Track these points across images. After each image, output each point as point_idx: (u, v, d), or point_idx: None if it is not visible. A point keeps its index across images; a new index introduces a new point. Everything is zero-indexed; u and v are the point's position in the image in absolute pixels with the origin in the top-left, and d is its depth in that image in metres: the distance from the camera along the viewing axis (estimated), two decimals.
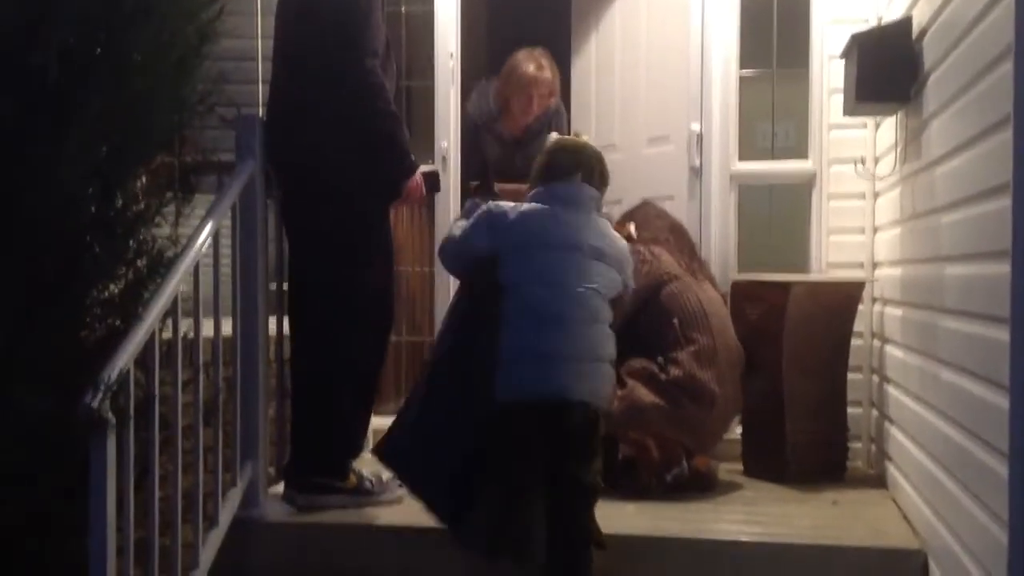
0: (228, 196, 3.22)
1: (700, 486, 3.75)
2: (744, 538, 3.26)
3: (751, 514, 3.53)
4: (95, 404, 2.36)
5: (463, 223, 3.31)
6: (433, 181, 3.78)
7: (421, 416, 3.26)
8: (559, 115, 4.80)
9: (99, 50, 2.25)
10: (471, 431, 3.13)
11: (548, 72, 4.65)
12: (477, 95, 4.82)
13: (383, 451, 3.32)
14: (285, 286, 3.74)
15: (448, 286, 4.67)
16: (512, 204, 3.27)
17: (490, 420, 3.06)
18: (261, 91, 4.53)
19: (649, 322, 3.85)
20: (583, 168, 3.25)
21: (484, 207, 3.27)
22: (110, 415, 2.41)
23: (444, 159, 4.70)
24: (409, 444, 3.26)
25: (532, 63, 4.62)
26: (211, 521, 3.10)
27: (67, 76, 2.13)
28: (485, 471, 3.11)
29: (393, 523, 3.40)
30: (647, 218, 4.19)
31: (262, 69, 4.61)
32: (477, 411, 3.10)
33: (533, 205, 3.23)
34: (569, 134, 4.65)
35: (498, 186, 3.82)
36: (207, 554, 3.03)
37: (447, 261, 3.39)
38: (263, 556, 3.35)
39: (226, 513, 3.20)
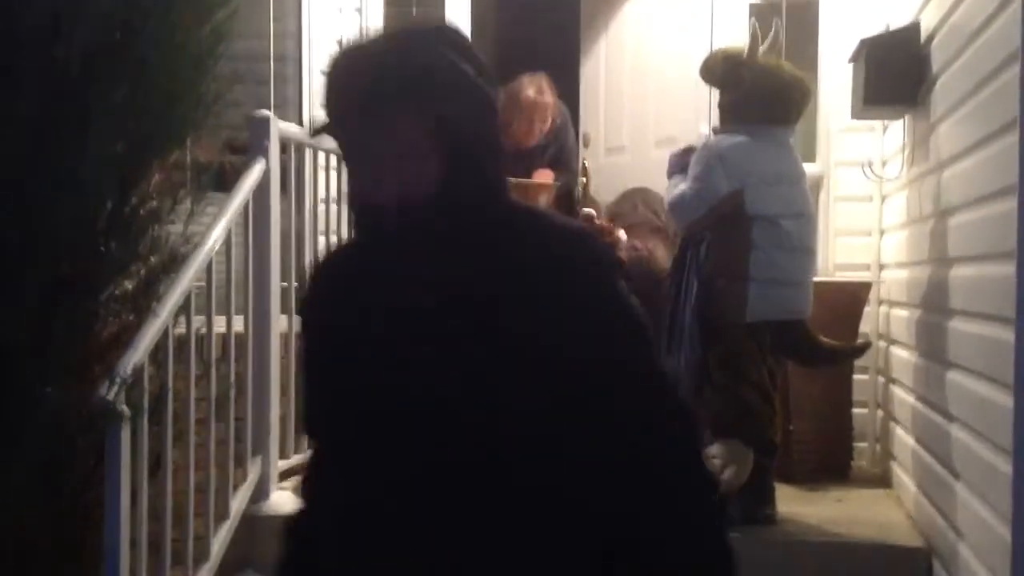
0: (240, 195, 3.25)
1: None
2: (749, 536, 3.28)
3: None
4: (111, 397, 2.40)
5: (679, 177, 3.44)
6: None
7: None
8: (565, 130, 4.75)
9: (118, 49, 2.28)
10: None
11: (548, 97, 4.60)
12: None
13: None
14: (295, 284, 3.77)
15: None
16: (729, 141, 3.37)
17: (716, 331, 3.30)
18: (273, 92, 4.56)
19: None
20: (797, 114, 3.49)
21: (704, 152, 3.38)
22: (125, 408, 2.44)
23: None
24: None
25: (533, 87, 4.56)
26: (222, 514, 3.13)
27: (88, 73, 2.16)
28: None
29: None
30: (634, 208, 4.21)
31: (275, 70, 4.64)
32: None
33: (753, 140, 3.36)
34: (578, 143, 4.67)
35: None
36: (217, 547, 3.06)
37: (685, 213, 3.42)
38: (272, 549, 3.36)
39: (236, 506, 3.23)
